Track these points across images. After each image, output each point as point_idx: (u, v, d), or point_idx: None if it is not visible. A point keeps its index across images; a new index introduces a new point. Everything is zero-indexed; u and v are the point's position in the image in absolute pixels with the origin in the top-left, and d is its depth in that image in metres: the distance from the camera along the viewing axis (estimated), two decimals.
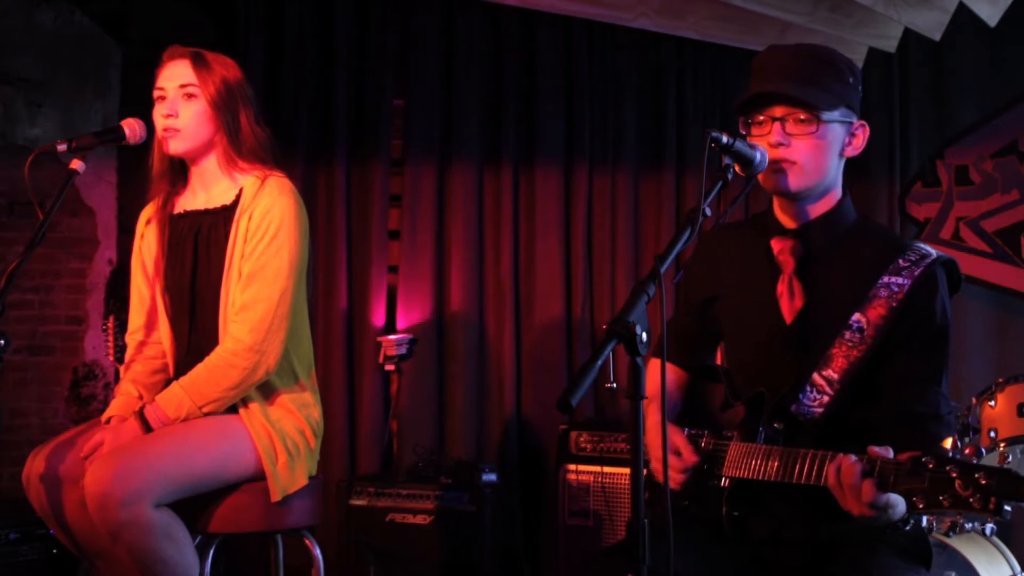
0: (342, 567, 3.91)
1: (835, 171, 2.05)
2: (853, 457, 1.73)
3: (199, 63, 2.60)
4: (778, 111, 1.98)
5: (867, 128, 2.06)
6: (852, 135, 2.04)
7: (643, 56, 4.47)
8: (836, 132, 2.00)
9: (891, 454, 1.69)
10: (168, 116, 2.58)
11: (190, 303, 2.66)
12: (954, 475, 1.61)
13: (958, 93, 4.36)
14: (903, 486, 1.65)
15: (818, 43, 2.11)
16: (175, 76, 2.60)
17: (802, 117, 1.96)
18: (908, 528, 1.78)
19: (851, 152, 2.05)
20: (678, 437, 2.11)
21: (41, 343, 4.59)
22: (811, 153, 1.98)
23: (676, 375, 2.30)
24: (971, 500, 1.58)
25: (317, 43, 4.42)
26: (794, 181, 1.98)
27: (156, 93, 2.62)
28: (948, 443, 1.67)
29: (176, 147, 2.61)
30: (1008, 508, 1.56)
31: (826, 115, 1.97)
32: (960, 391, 3.90)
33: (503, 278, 4.40)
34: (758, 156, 1.90)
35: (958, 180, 4.33)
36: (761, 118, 2.00)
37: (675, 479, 2.08)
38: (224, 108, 2.61)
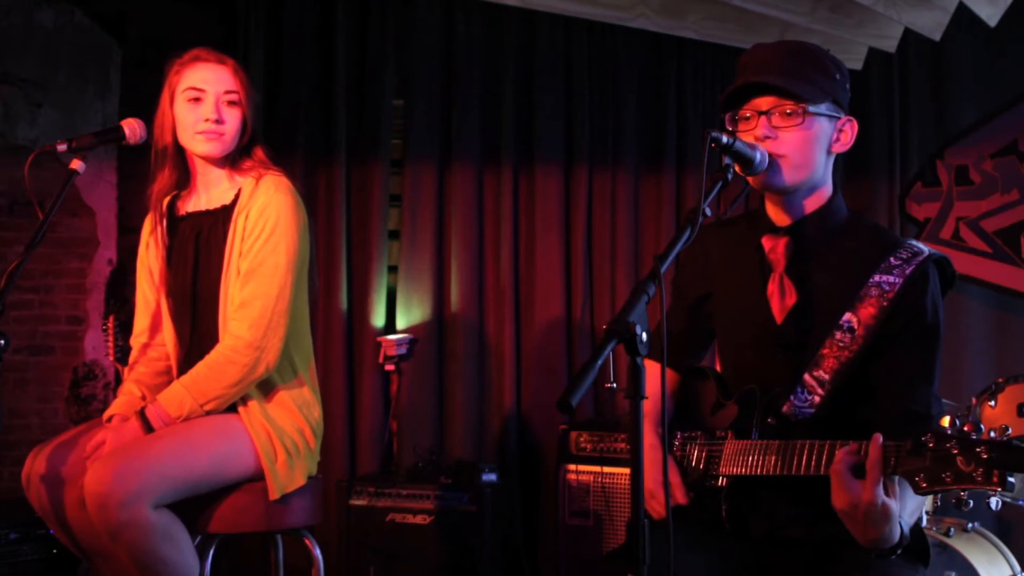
0: (342, 567, 3.91)
1: (824, 166, 2.02)
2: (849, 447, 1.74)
3: (239, 72, 2.63)
4: (764, 104, 1.96)
5: (855, 124, 2.04)
6: (839, 131, 2.02)
7: (643, 56, 4.47)
8: (823, 126, 1.99)
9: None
10: (217, 121, 2.58)
11: (191, 304, 2.67)
12: (955, 451, 1.61)
13: (958, 93, 4.35)
14: (905, 467, 1.66)
15: (817, 43, 2.10)
16: (218, 80, 2.60)
17: (788, 110, 1.95)
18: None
19: (839, 148, 2.03)
20: (673, 475, 2.07)
21: (41, 343, 4.60)
22: (799, 146, 1.96)
23: (670, 377, 2.27)
24: (974, 474, 1.59)
25: (317, 43, 4.42)
26: (784, 175, 1.96)
27: (189, 94, 2.59)
28: (946, 421, 1.67)
29: (216, 151, 2.61)
30: (1012, 480, 1.57)
31: (812, 107, 1.95)
32: (960, 391, 3.90)
33: (503, 278, 4.39)
34: (758, 156, 1.91)
35: (958, 180, 4.33)
36: (748, 113, 1.98)
37: (660, 512, 2.04)
38: (252, 118, 2.65)
